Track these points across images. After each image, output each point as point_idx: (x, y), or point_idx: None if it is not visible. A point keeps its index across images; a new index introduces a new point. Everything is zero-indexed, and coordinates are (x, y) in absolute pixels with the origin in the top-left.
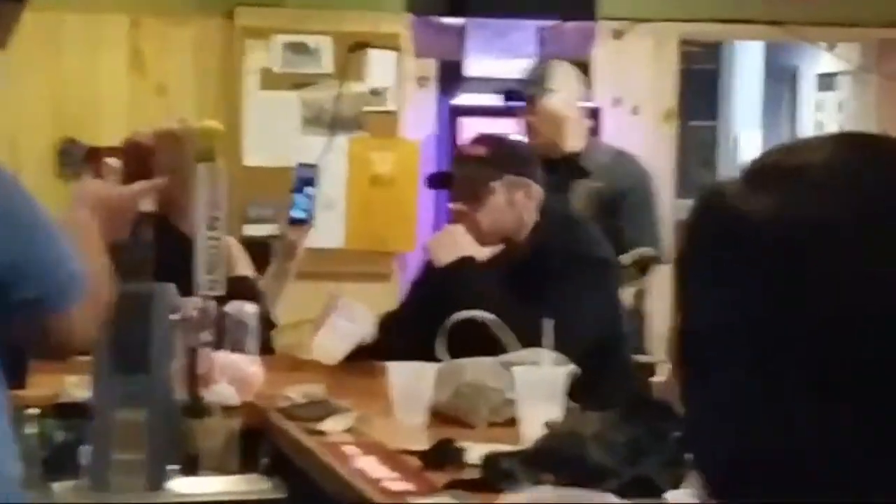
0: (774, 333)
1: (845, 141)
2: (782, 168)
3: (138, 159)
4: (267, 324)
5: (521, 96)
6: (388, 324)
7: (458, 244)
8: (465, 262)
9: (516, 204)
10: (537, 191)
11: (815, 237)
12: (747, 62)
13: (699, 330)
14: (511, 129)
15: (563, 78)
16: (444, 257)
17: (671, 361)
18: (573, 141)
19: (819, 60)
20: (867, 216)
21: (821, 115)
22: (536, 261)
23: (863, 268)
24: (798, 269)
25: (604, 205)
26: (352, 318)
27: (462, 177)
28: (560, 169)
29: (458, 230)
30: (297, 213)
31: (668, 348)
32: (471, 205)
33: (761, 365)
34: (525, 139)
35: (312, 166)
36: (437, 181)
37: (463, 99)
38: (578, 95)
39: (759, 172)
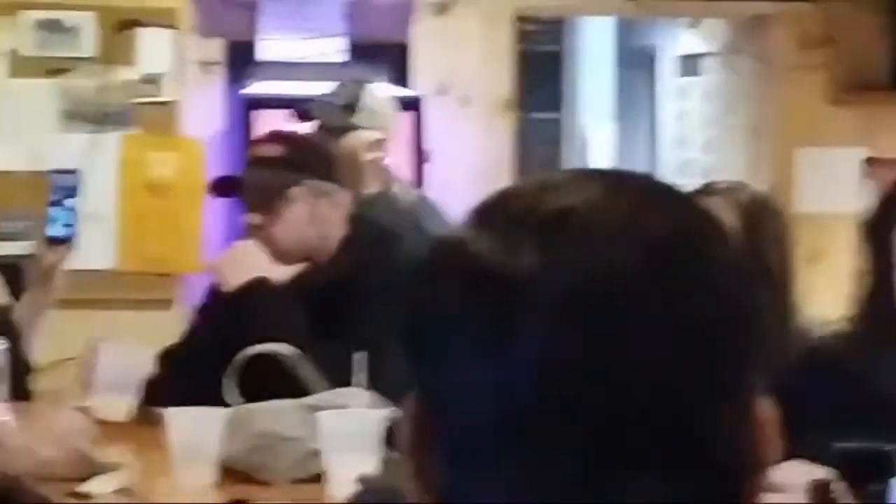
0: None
1: (593, 178)
2: (536, 213)
3: None
4: (21, 364)
5: (320, 123)
6: (167, 361)
7: (250, 264)
8: (259, 285)
9: (319, 215)
10: (344, 198)
11: (599, 293)
12: (596, 43)
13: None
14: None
15: (375, 109)
16: (234, 280)
17: (408, 451)
18: (369, 189)
19: (680, 40)
20: (654, 265)
21: (684, 103)
22: (345, 283)
23: (655, 330)
24: (589, 334)
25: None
26: (124, 363)
27: (253, 183)
28: None
29: (250, 247)
30: (54, 230)
31: (406, 436)
32: (265, 216)
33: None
34: None
35: (72, 172)
36: (222, 188)
37: (257, 88)
38: (390, 131)
39: (506, 221)
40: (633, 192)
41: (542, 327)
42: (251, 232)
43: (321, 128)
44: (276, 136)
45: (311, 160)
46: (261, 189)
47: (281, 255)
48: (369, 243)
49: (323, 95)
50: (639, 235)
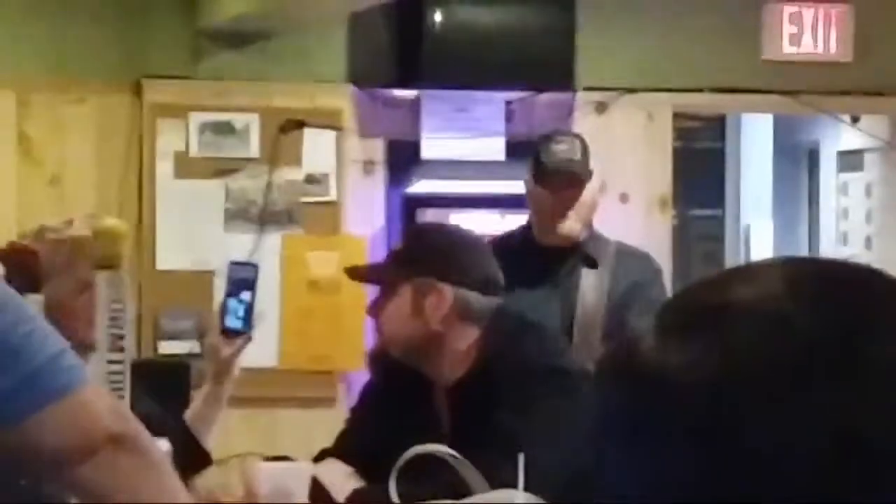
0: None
1: (773, 270)
2: (698, 310)
3: (22, 267)
4: (201, 460)
5: (571, 173)
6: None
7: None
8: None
9: (425, 311)
10: (448, 297)
11: (745, 391)
12: (756, 139)
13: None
14: (484, 221)
15: (589, 155)
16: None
17: None
18: (586, 229)
19: (841, 136)
20: (806, 364)
21: (845, 199)
22: (484, 381)
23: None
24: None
25: (612, 300)
26: (285, 484)
27: (376, 273)
28: (568, 258)
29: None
30: (232, 322)
31: None
32: (379, 304)
33: None
34: (536, 218)
35: (250, 265)
36: (357, 274)
37: (419, 186)
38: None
39: (676, 318)
40: (797, 284)
41: (693, 426)
42: (369, 313)
43: (572, 178)
44: (409, 231)
45: (426, 257)
46: (378, 279)
47: (386, 342)
48: (502, 340)
49: (558, 148)
50: (790, 333)
